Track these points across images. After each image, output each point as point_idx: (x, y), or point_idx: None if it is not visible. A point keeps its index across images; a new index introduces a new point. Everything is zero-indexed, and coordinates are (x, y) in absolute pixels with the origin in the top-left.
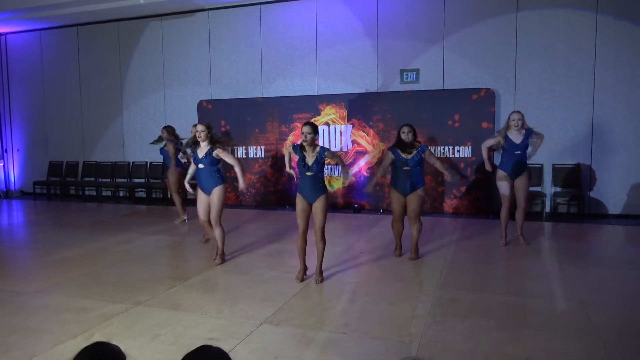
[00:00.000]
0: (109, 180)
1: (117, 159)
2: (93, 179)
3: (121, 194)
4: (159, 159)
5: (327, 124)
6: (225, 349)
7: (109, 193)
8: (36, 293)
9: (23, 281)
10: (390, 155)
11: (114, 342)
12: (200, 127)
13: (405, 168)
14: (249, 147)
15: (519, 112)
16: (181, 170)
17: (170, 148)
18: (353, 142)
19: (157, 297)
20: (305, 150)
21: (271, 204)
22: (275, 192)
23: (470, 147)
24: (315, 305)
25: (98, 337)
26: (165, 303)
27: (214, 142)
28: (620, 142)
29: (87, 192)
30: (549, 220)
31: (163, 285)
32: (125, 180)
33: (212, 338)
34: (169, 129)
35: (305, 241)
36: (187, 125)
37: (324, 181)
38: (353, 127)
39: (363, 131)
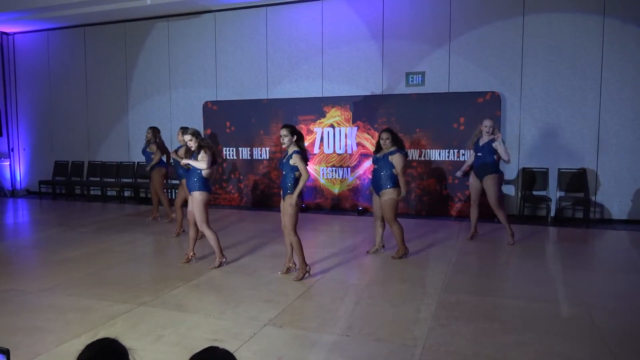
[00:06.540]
0: (114, 180)
1: (122, 159)
2: (98, 178)
3: (126, 194)
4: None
5: (332, 126)
6: (229, 350)
7: (114, 193)
8: (40, 292)
9: (27, 280)
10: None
11: None
12: (187, 137)
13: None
14: (254, 148)
15: (490, 119)
16: (165, 170)
17: (153, 148)
18: (358, 144)
19: (161, 298)
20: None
21: (275, 206)
22: (279, 193)
23: None
24: (318, 307)
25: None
26: (168, 304)
27: (201, 146)
28: (626, 147)
29: (92, 192)
30: (553, 225)
31: (167, 286)
32: (131, 180)
33: (215, 339)
34: (155, 130)
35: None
36: (192, 126)
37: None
38: (358, 129)
39: (368, 133)
